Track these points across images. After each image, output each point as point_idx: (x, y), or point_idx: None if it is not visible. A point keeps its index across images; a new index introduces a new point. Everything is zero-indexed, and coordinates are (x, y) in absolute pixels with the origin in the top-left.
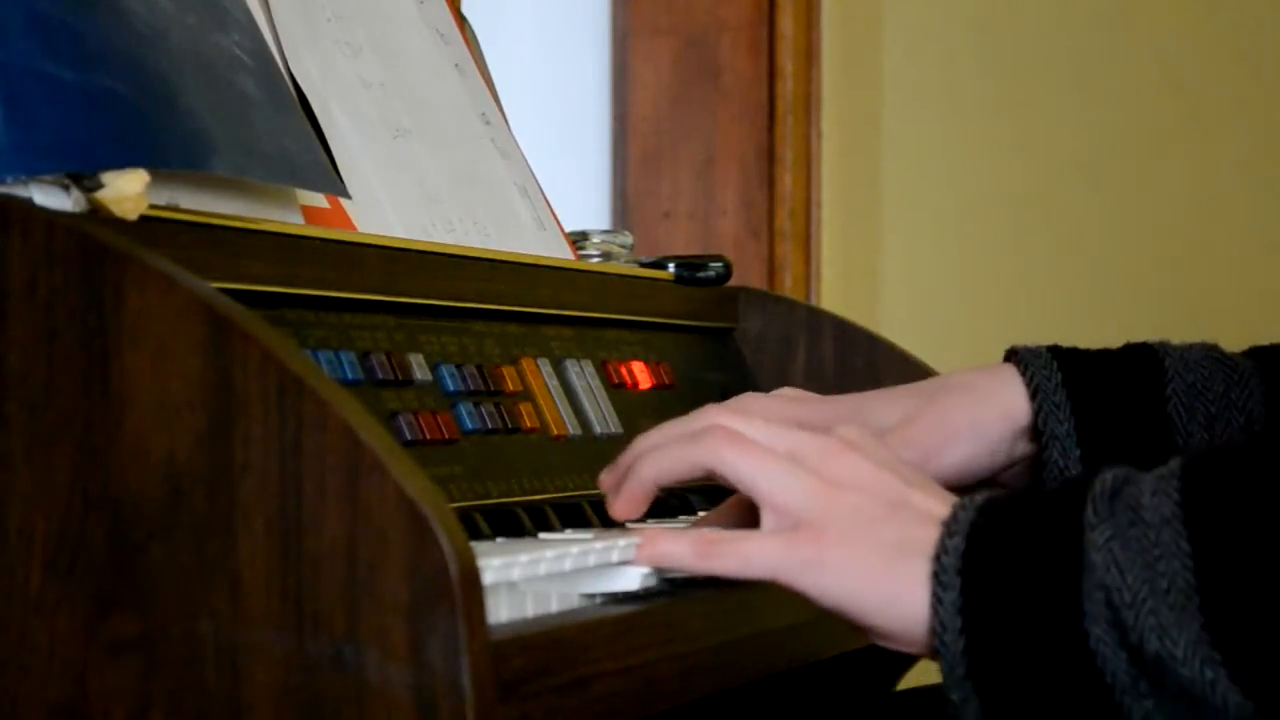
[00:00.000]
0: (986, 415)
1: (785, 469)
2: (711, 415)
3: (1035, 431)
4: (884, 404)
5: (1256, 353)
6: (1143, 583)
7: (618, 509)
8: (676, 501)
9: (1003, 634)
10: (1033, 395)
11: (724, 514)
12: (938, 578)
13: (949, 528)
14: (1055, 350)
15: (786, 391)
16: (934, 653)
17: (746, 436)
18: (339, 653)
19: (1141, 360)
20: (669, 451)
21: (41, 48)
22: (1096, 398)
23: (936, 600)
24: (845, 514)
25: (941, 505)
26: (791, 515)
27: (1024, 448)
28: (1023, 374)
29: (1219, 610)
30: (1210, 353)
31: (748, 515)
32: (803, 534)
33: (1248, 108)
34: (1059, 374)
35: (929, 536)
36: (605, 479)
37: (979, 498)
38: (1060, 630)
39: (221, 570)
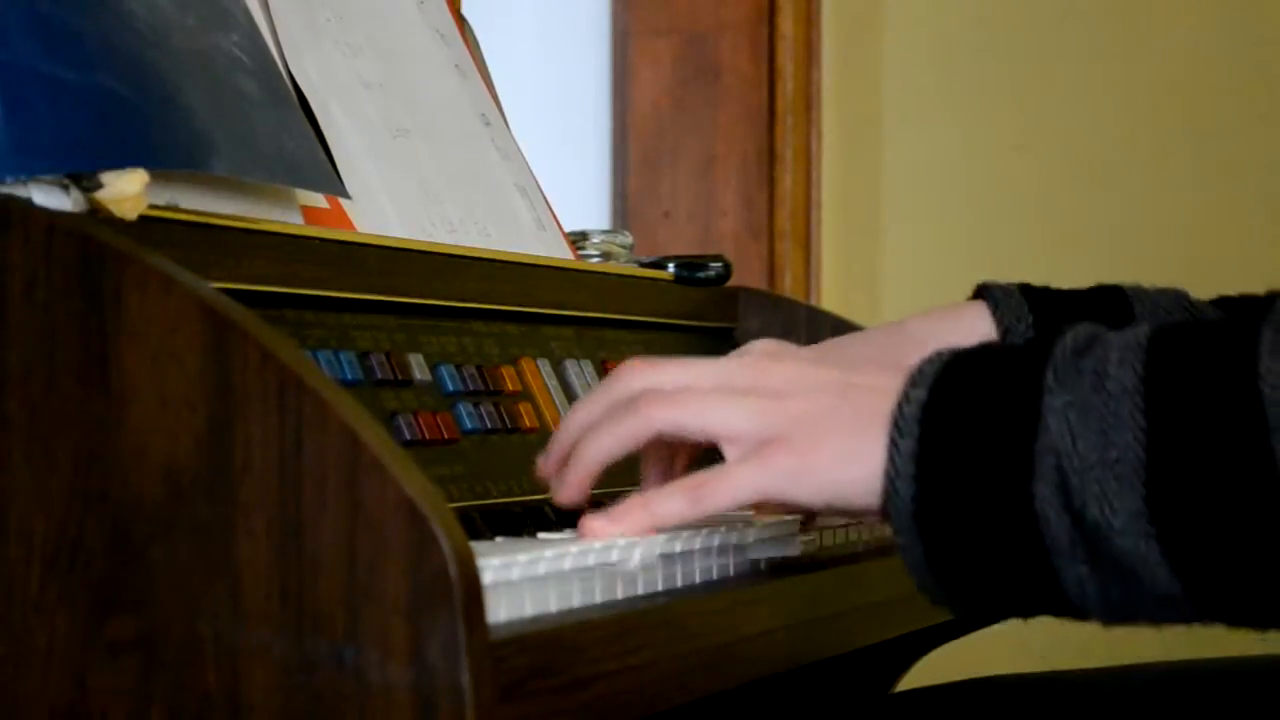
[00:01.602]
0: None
1: (724, 401)
2: (633, 378)
3: None
4: (859, 343)
5: (1223, 302)
6: (1093, 449)
7: (563, 496)
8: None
9: (952, 484)
10: (1003, 334)
11: (653, 464)
12: (897, 425)
13: (913, 379)
14: (1025, 289)
15: (757, 345)
16: (885, 498)
17: (673, 390)
18: (339, 653)
19: (1112, 302)
20: (608, 431)
21: (41, 48)
22: None
23: (893, 446)
24: (800, 416)
25: (888, 378)
26: (751, 438)
27: None
28: (993, 312)
29: (1163, 487)
30: (1179, 300)
31: (672, 464)
32: (769, 448)
33: (1250, 107)
34: (1030, 315)
35: (885, 403)
36: (545, 465)
37: (945, 353)
38: (1008, 486)
39: (221, 570)
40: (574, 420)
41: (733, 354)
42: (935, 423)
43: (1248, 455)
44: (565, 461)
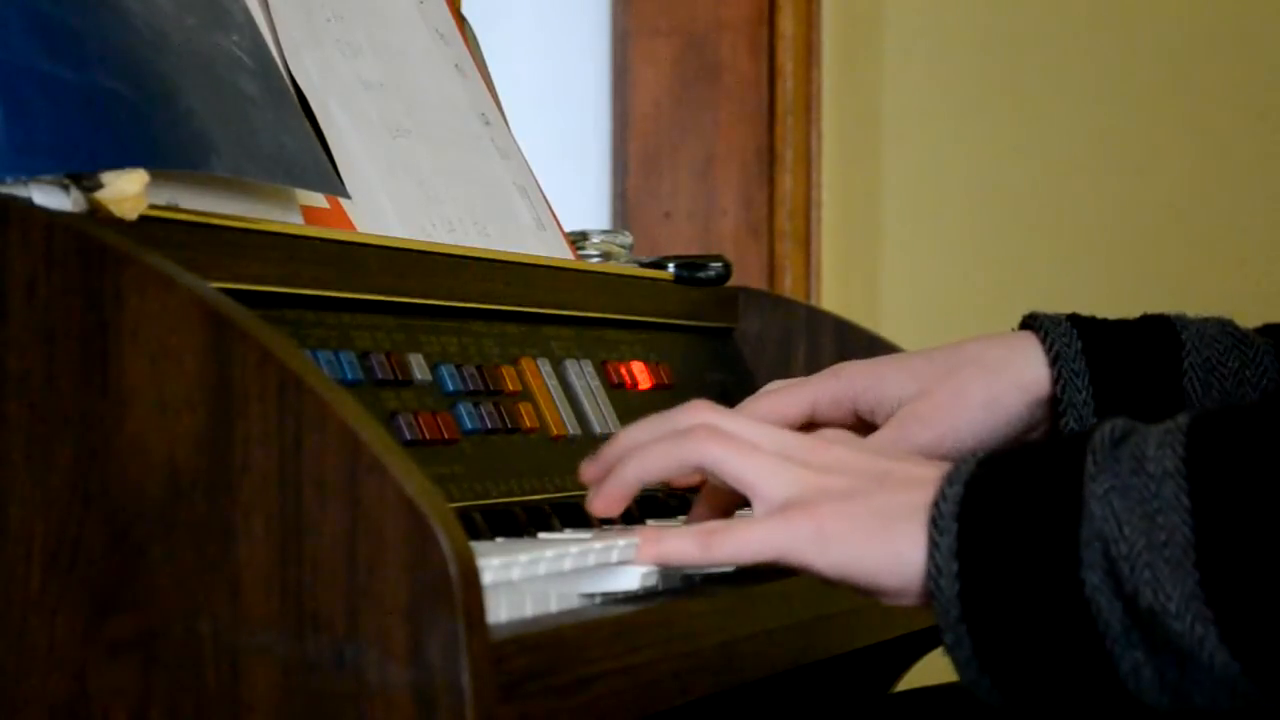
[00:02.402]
0: (1002, 388)
1: (773, 461)
2: (696, 413)
3: (1053, 400)
4: (901, 373)
5: (1271, 330)
6: (1140, 534)
7: (597, 506)
8: (676, 502)
9: (997, 578)
10: (1052, 362)
11: (706, 505)
12: (935, 523)
13: (949, 477)
14: (1074, 318)
15: (775, 385)
16: (929, 596)
17: (733, 433)
18: (339, 653)
19: (1159, 332)
20: (654, 450)
21: (41, 48)
22: (1114, 367)
23: (933, 544)
24: (836, 492)
25: (931, 470)
26: (781, 500)
27: (1040, 415)
28: (1042, 341)
29: (1215, 567)
30: (1226, 328)
31: (727, 502)
32: (797, 510)
33: (1251, 107)
34: (1079, 342)
35: (925, 493)
36: (587, 470)
37: (981, 454)
38: (1056, 577)
39: (221, 570)
40: (630, 435)
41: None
42: (974, 517)
43: None
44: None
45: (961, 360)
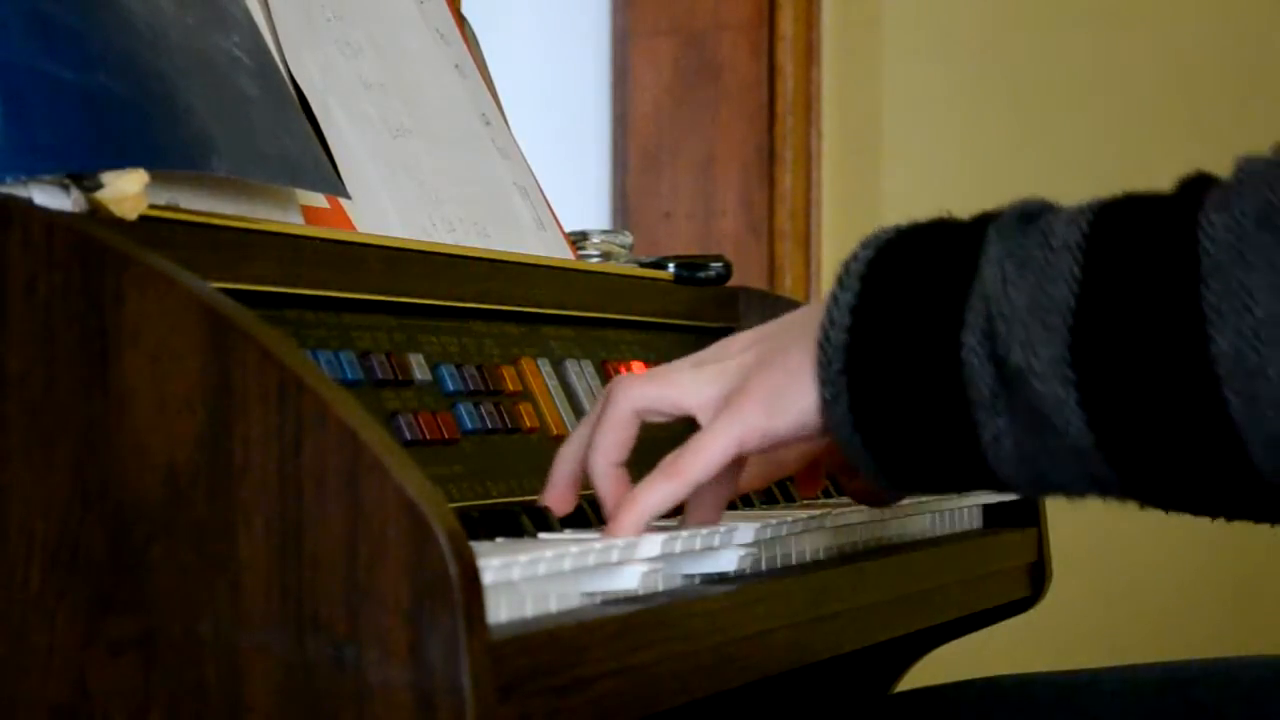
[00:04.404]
0: None
1: (691, 373)
2: (610, 385)
3: None
4: None
5: None
6: (1024, 296)
7: (618, 530)
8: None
9: (882, 332)
10: None
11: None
12: (840, 281)
13: (864, 241)
14: None
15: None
16: (818, 360)
17: (645, 374)
18: (339, 653)
19: None
20: (600, 435)
21: (41, 48)
22: None
23: (833, 300)
24: (756, 363)
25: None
26: (717, 398)
27: None
28: None
29: (1088, 332)
30: None
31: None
32: (733, 399)
33: (1250, 107)
34: None
35: (826, 305)
36: (550, 497)
37: (903, 224)
38: (936, 335)
39: (221, 570)
40: (564, 451)
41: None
42: (876, 277)
43: (1176, 304)
44: (570, 489)
45: None
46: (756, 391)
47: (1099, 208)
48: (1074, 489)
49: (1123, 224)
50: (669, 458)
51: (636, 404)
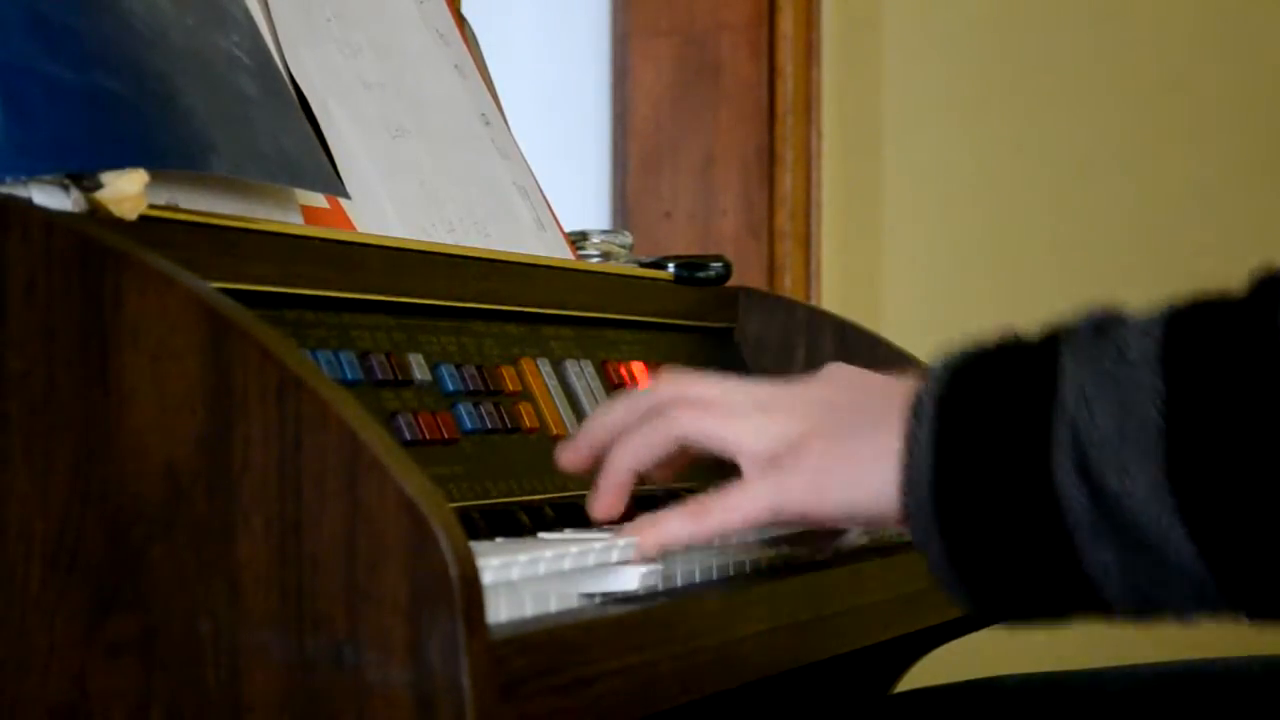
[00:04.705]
0: None
1: (750, 417)
2: (666, 386)
3: None
4: None
5: None
6: (1111, 420)
7: (599, 510)
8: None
9: (971, 466)
10: None
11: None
12: (915, 413)
13: (934, 372)
14: None
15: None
16: (903, 490)
17: (705, 398)
18: (339, 653)
19: None
20: (637, 437)
21: (41, 48)
22: None
23: (911, 436)
24: (817, 432)
25: (905, 383)
26: (768, 456)
27: None
28: None
29: (1183, 455)
30: None
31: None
32: (784, 464)
33: (1249, 107)
34: None
35: (901, 401)
36: (567, 455)
37: (969, 346)
38: (1026, 464)
39: (221, 570)
40: (603, 419)
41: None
42: (952, 406)
43: (1267, 413)
44: (588, 458)
45: None
46: (809, 468)
47: (1170, 316)
48: (1183, 611)
49: (1199, 333)
50: (701, 498)
51: (687, 432)
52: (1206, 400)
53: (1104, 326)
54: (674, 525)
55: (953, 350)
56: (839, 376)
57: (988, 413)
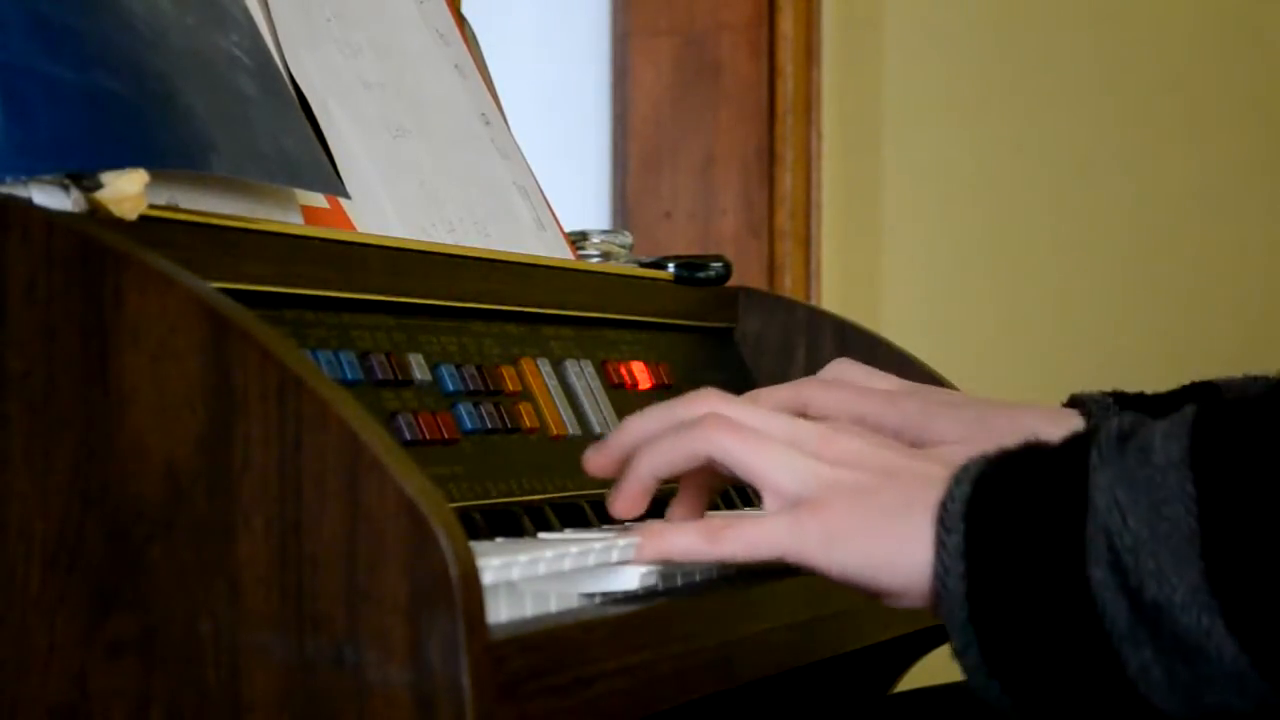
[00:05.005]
0: None
1: (784, 453)
2: (704, 402)
3: None
4: (949, 420)
5: None
6: (1145, 526)
7: (618, 508)
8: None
9: (1004, 576)
10: None
11: (684, 502)
12: (943, 522)
13: (957, 477)
14: (1120, 398)
15: (850, 372)
16: (936, 597)
17: (743, 423)
18: (339, 653)
19: (1207, 399)
20: (666, 445)
21: (41, 48)
22: None
23: (940, 545)
24: (846, 487)
25: (939, 468)
26: (792, 496)
27: None
28: (1089, 422)
29: (1220, 558)
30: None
31: (705, 496)
32: (805, 510)
33: (1249, 107)
34: None
35: (931, 493)
36: (593, 460)
37: (991, 452)
38: (1061, 572)
39: (221, 570)
40: (635, 426)
41: (808, 384)
42: (980, 516)
43: None
44: (617, 463)
45: (1016, 429)
46: (826, 523)
47: (1194, 418)
48: (1234, 709)
49: (1224, 435)
50: (717, 521)
51: (715, 451)
52: (1237, 501)
53: (1129, 433)
54: (682, 540)
55: (978, 456)
56: (873, 436)
57: (1019, 521)
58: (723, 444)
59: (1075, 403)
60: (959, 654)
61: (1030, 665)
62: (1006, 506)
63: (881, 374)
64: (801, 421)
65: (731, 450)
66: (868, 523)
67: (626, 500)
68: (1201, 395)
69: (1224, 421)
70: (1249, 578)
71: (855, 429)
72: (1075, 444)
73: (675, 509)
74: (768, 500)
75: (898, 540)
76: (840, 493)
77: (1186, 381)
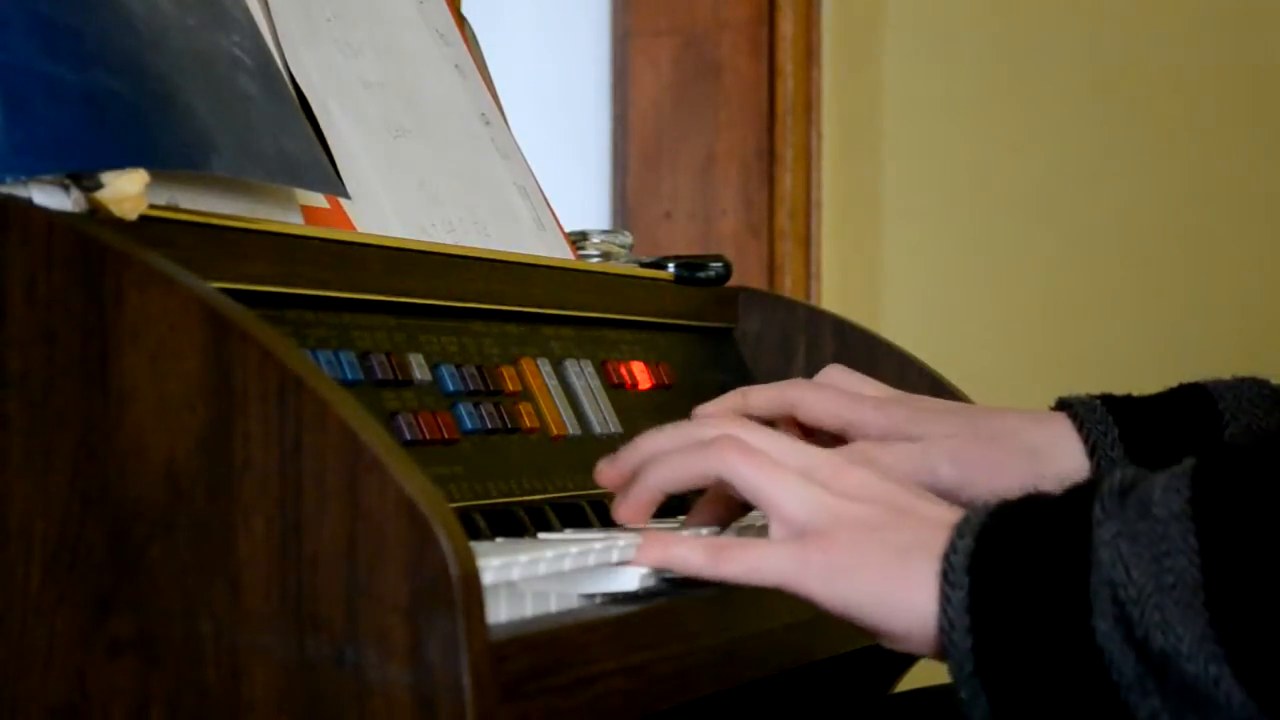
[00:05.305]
0: (1040, 475)
1: (795, 481)
2: (721, 424)
3: None
4: (936, 424)
5: None
6: (1149, 577)
7: (623, 514)
8: (676, 501)
9: (1010, 630)
10: (1090, 449)
11: (704, 512)
12: (946, 576)
13: (959, 529)
14: (1108, 401)
15: (841, 379)
16: (942, 651)
17: (756, 446)
18: (339, 653)
19: (1196, 405)
20: (678, 460)
21: (41, 48)
22: (1154, 450)
23: (945, 599)
24: (853, 522)
25: (949, 513)
26: (800, 525)
27: None
28: (1078, 430)
29: (1224, 606)
30: (1263, 390)
31: (724, 512)
32: (811, 541)
33: (1250, 107)
34: (1115, 428)
35: (937, 539)
36: (605, 473)
37: (992, 503)
38: (1067, 626)
39: (221, 570)
40: (650, 442)
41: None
42: (985, 570)
43: None
44: (629, 477)
45: (1000, 431)
46: (829, 556)
47: (1194, 470)
48: None
49: (1224, 485)
50: (723, 539)
51: (726, 473)
52: (1239, 550)
53: (1130, 485)
54: (685, 553)
55: (980, 507)
56: (885, 472)
57: (1024, 576)
58: (735, 466)
59: (1062, 405)
60: (967, 705)
61: (1039, 716)
62: (1010, 561)
63: (873, 382)
64: (816, 450)
65: (743, 473)
66: (871, 559)
67: (632, 508)
68: (1190, 397)
69: (1223, 472)
70: (1254, 625)
71: (867, 459)
72: (1077, 497)
73: (691, 518)
74: (774, 527)
75: (900, 582)
76: (846, 526)
77: (1186, 381)
